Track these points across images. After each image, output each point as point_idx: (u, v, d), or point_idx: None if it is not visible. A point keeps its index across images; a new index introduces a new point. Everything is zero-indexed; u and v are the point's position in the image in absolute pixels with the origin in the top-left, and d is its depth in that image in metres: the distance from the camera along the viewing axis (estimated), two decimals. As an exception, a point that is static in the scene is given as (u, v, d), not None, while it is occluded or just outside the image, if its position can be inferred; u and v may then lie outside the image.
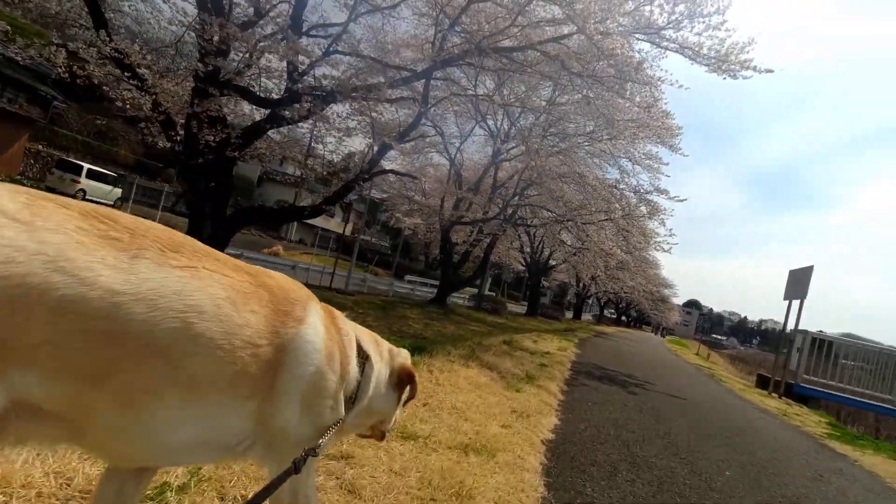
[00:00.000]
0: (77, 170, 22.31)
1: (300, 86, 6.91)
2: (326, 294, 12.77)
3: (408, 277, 32.74)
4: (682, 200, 14.75)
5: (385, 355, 1.69)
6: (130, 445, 1.11)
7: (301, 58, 7.33)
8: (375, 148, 11.09)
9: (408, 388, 1.75)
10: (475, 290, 29.74)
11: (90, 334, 0.93)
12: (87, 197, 22.15)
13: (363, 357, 1.54)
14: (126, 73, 7.37)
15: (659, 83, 8.63)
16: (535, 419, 4.53)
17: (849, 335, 18.78)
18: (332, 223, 42.16)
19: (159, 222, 1.27)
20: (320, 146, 13.70)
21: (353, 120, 10.78)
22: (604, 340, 22.59)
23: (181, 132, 7.69)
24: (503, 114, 15.88)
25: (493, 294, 35.87)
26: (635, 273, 30.95)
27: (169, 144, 7.66)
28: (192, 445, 1.19)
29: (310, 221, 40.69)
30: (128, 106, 7.23)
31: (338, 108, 10.54)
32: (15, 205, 0.90)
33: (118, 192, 22.88)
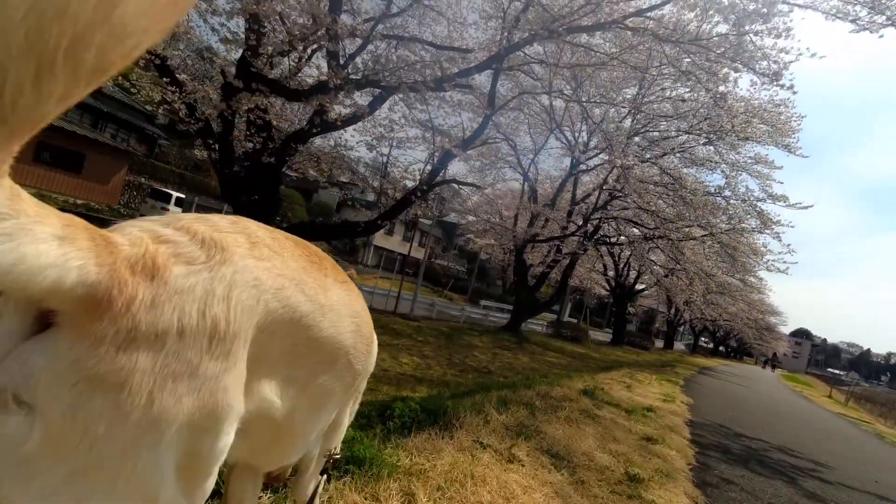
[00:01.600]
0: (167, 198, 23.86)
1: (334, 72, 6.00)
2: (386, 318, 11.77)
3: (483, 302, 31.47)
4: (806, 207, 12.09)
5: None
6: (299, 445, 1.28)
7: (343, 45, 6.45)
8: (436, 157, 10.05)
9: None
10: (554, 317, 27.74)
11: (308, 342, 1.07)
12: (174, 223, 23.66)
13: None
14: (166, 79, 6.91)
15: (784, 54, 6.76)
16: None
17: None
18: (413, 247, 41.99)
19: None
20: (396, 170, 13.01)
21: (410, 126, 9.85)
22: (712, 380, 19.20)
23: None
24: (582, 120, 14.36)
25: (575, 321, 33.45)
26: (737, 298, 27.35)
27: (205, 153, 7.05)
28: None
29: (385, 246, 40.82)
30: (168, 117, 6.71)
31: (393, 116, 9.69)
32: (267, 235, 1.02)
33: (178, 210, 24.18)
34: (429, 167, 10.27)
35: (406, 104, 8.19)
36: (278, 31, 6.21)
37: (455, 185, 14.08)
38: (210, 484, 0.87)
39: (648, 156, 12.97)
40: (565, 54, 10.31)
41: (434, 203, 22.20)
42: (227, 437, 0.85)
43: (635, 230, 16.62)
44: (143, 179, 25.65)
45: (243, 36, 6.01)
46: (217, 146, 6.79)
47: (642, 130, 12.98)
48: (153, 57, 6.64)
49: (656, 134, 12.97)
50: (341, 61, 6.49)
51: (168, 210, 23.49)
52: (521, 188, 16.67)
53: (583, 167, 14.78)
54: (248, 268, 0.88)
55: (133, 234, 0.78)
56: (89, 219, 0.72)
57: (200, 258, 0.82)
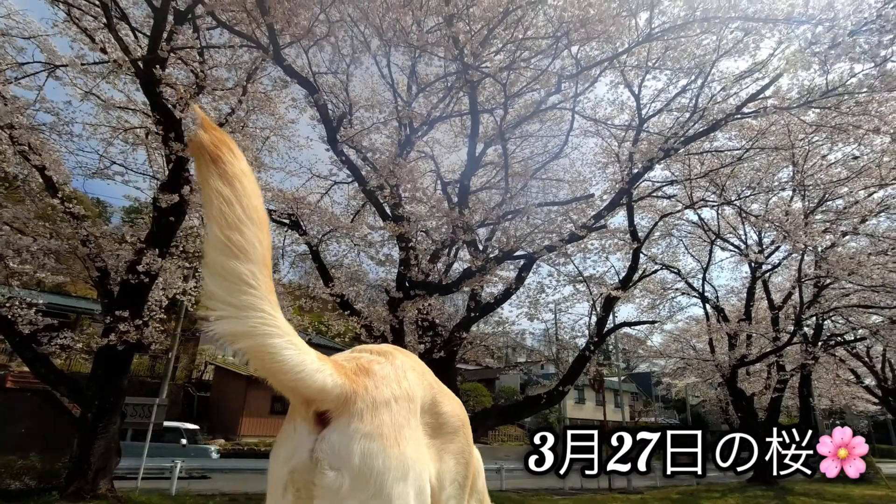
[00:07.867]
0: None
1: (475, 257, 6.49)
2: (601, 497, 10.25)
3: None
4: None
5: None
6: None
7: (477, 236, 7.10)
8: (598, 306, 9.70)
9: None
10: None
11: (440, 416, 1.56)
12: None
13: None
14: (347, 311, 8.08)
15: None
16: None
17: None
18: (609, 411, 38.26)
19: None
20: (564, 332, 12.93)
21: (562, 285, 9.87)
22: None
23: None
24: (741, 221, 13.14)
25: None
26: None
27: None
28: None
29: (581, 416, 37.76)
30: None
31: (543, 280, 9.88)
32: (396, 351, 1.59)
33: None
34: (594, 318, 9.88)
35: (552, 265, 8.37)
36: (424, 242, 7.14)
37: (630, 330, 13.17)
38: None
39: (844, 228, 11.05)
40: (693, 166, 10.04)
41: (616, 357, 20.70)
42: (424, 482, 1.25)
43: (875, 316, 13.38)
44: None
45: (397, 256, 6.98)
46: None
47: (820, 206, 11.35)
48: (336, 297, 7.94)
49: (840, 202, 11.20)
50: (480, 247, 7.10)
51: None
52: (704, 311, 14.96)
53: (766, 267, 12.99)
54: (405, 361, 1.41)
55: (344, 356, 1.41)
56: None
57: (381, 359, 1.36)
